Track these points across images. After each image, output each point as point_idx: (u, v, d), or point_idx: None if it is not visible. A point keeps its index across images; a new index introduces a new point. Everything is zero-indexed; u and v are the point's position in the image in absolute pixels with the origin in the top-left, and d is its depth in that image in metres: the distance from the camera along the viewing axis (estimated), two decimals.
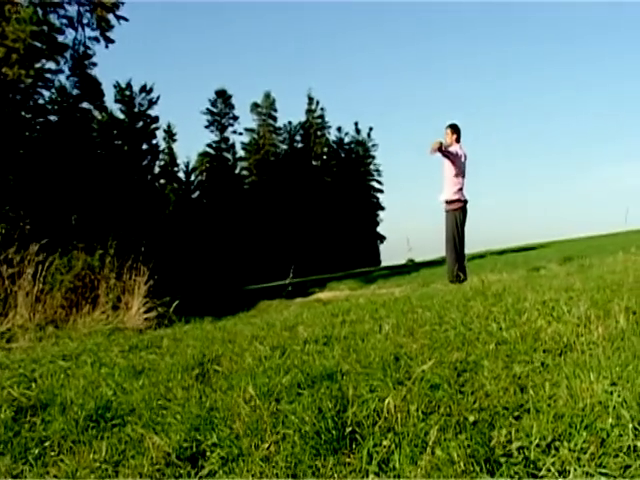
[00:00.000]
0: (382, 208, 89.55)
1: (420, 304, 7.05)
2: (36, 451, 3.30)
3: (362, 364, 3.98)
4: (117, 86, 60.87)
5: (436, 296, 7.80)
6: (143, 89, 62.67)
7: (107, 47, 31.83)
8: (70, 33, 31.21)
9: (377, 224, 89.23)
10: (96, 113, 44.16)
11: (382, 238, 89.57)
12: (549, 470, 2.17)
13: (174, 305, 10.64)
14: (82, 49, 32.91)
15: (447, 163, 10.73)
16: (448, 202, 10.92)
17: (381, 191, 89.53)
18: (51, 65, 29.12)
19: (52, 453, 3.28)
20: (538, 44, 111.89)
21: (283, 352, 4.93)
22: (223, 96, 76.61)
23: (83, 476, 2.91)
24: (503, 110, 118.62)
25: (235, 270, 62.77)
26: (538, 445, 2.30)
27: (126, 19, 29.69)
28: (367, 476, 2.38)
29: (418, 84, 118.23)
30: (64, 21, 30.09)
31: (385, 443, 2.53)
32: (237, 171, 78.97)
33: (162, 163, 68.99)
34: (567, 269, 10.35)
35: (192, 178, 74.51)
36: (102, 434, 3.47)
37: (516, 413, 2.71)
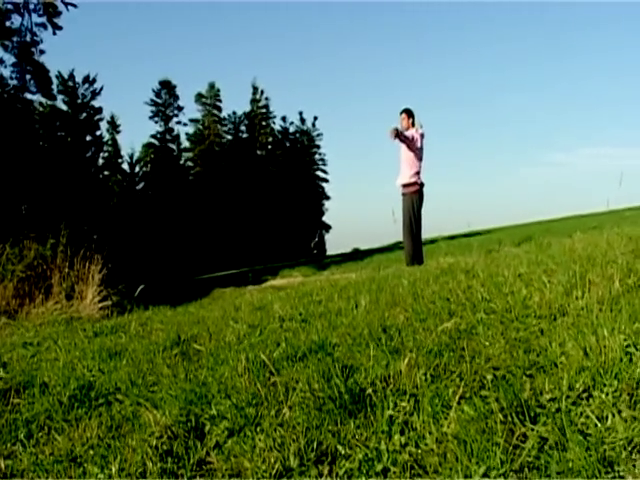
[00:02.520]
0: (327, 197, 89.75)
1: (389, 283, 7.02)
2: (24, 432, 3.16)
3: (351, 336, 3.92)
4: (59, 76, 59.49)
5: (402, 276, 7.77)
6: (86, 80, 61.34)
7: (55, 34, 31.12)
8: (16, 19, 30.48)
9: (323, 213, 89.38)
10: (42, 100, 43.15)
11: (328, 227, 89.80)
12: (588, 417, 2.14)
13: (139, 289, 10.41)
14: (29, 36, 32.07)
15: (403, 147, 10.72)
16: (405, 185, 10.91)
17: (326, 180, 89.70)
18: None
19: (41, 433, 3.15)
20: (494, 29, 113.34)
21: (262, 330, 4.84)
22: (167, 86, 75.59)
23: (81, 453, 2.79)
24: (449, 96, 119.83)
25: (184, 260, 62.20)
26: (568, 396, 2.26)
27: (74, 5, 28.82)
28: (392, 437, 2.31)
29: (363, 72, 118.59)
30: (9, 6, 29.31)
31: (403, 404, 2.47)
32: (182, 162, 78.16)
33: (106, 155, 67.81)
34: (525, 249, 10.41)
35: (136, 169, 73.45)
36: (89, 412, 3.36)
37: (529, 372, 2.67)
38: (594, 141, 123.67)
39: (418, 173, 10.85)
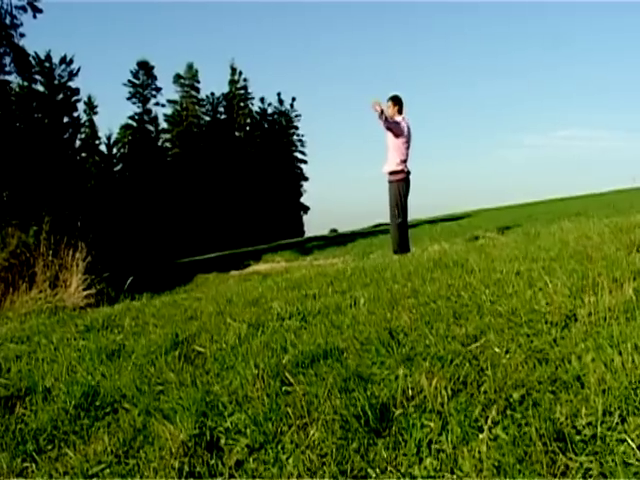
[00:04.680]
0: (306, 179, 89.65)
1: (380, 276, 6.98)
2: (33, 445, 3.09)
3: (358, 340, 3.88)
4: (36, 57, 58.53)
5: (392, 267, 7.73)
6: (63, 60, 60.51)
7: (35, 17, 30.74)
8: None
9: (301, 195, 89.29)
10: (19, 81, 42.47)
11: (306, 209, 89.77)
12: (627, 444, 2.11)
13: (128, 282, 10.29)
14: (9, 19, 31.52)
15: (390, 135, 10.69)
16: (391, 173, 10.89)
17: (305, 162, 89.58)
18: None
19: (50, 446, 3.08)
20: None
21: (262, 330, 4.78)
22: (145, 67, 74.82)
23: (97, 472, 2.73)
24: (429, 79, 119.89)
25: (163, 243, 61.88)
26: (603, 422, 2.23)
27: None
28: (423, 460, 2.28)
29: (342, 54, 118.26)
30: None
31: (431, 424, 2.43)
32: (160, 143, 77.59)
33: (83, 136, 67.06)
34: (512, 238, 10.41)
35: (114, 151, 72.82)
36: (95, 423, 3.30)
37: (552, 388, 2.64)
38: (568, 123, 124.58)
39: (405, 161, 10.83)
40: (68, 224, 13.38)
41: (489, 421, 2.34)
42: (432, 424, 2.44)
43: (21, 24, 33.66)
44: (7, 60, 36.69)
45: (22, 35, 35.87)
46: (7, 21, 32.11)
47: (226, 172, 74.09)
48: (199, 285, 17.42)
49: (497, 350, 3.23)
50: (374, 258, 14.25)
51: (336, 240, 27.98)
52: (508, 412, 2.44)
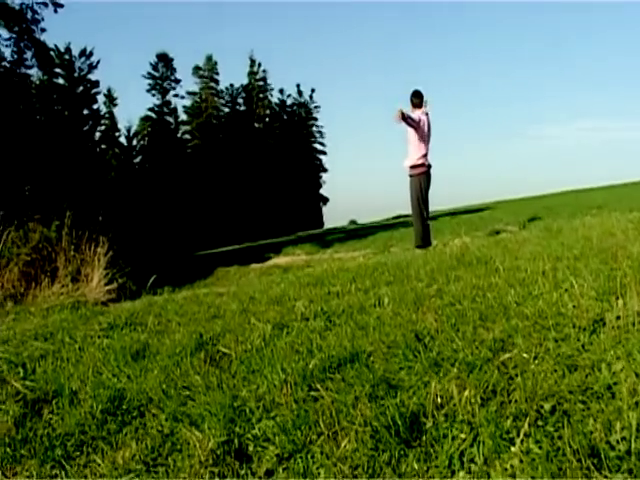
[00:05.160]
0: (325, 170, 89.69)
1: (404, 273, 6.96)
2: (61, 451, 3.10)
3: (385, 343, 3.87)
4: (56, 50, 58.81)
5: (414, 263, 7.71)
6: (83, 53, 60.79)
7: (56, 12, 30.90)
8: None
9: (320, 186, 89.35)
10: (39, 75, 42.76)
11: (325, 200, 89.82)
12: None
13: (151, 281, 10.32)
14: (30, 14, 31.73)
15: (410, 129, 10.72)
16: (412, 167, 10.93)
17: (324, 153, 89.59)
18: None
19: (77, 452, 3.09)
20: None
21: (287, 330, 4.78)
22: (164, 60, 75.08)
23: None
24: (449, 71, 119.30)
25: (182, 235, 62.12)
26: (637, 437, 2.20)
27: None
28: (455, 473, 2.26)
29: (362, 46, 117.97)
30: None
31: (462, 436, 2.42)
32: (180, 135, 77.81)
33: (103, 128, 67.39)
34: (535, 234, 10.35)
35: (134, 143, 73.13)
36: (123, 428, 3.30)
37: (581, 397, 2.61)
38: (586, 114, 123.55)
39: (425, 155, 10.89)
40: (90, 218, 13.43)
41: (521, 434, 2.31)
42: (463, 435, 2.42)
43: (42, 19, 33.87)
44: (28, 55, 36.94)
45: (43, 30, 36.09)
46: (28, 16, 32.27)
47: (245, 163, 74.17)
48: (220, 278, 17.44)
49: (525, 355, 3.20)
50: (395, 252, 14.26)
51: (357, 233, 27.91)
52: (540, 423, 2.41)
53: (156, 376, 4.01)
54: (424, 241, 10.91)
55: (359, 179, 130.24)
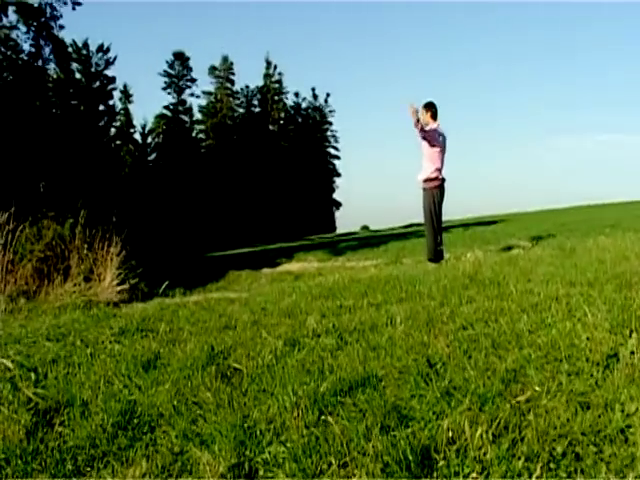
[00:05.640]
0: (338, 174, 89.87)
1: (416, 290, 6.96)
2: (71, 465, 3.11)
3: (396, 368, 3.87)
4: (73, 45, 59.16)
5: (426, 279, 7.72)
6: (100, 49, 61.26)
7: (74, 9, 31.14)
8: None
9: (333, 190, 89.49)
10: (57, 69, 43.01)
11: (338, 204, 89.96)
12: None
13: (164, 286, 10.37)
14: (49, 11, 31.97)
15: (425, 144, 10.75)
16: (426, 180, 10.94)
17: (337, 157, 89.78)
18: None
19: (88, 468, 3.10)
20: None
21: (298, 347, 4.79)
22: (181, 58, 75.51)
23: None
24: (463, 81, 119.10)
25: (193, 235, 62.23)
26: None
27: None
28: None
29: (378, 51, 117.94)
30: None
31: (473, 475, 2.41)
32: (194, 134, 78.18)
33: (118, 124, 67.80)
34: (549, 252, 10.32)
35: (148, 140, 73.57)
36: (134, 443, 3.31)
37: (593, 438, 2.61)
38: (604, 127, 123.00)
39: (440, 169, 10.88)
40: (103, 217, 13.47)
41: (533, 477, 2.31)
42: (474, 474, 2.42)
43: (60, 16, 34.09)
44: (46, 51, 37.16)
45: (61, 27, 36.33)
46: (47, 13, 32.51)
47: (259, 166, 74.35)
48: (231, 282, 17.46)
49: (537, 389, 3.20)
50: (407, 264, 14.22)
51: (369, 241, 27.88)
52: (552, 466, 2.41)
53: (167, 390, 4.03)
54: (436, 255, 10.92)
55: (372, 184, 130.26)
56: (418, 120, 10.20)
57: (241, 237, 62.03)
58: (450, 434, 2.76)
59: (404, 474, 2.51)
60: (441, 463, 2.56)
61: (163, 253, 34.22)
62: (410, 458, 2.56)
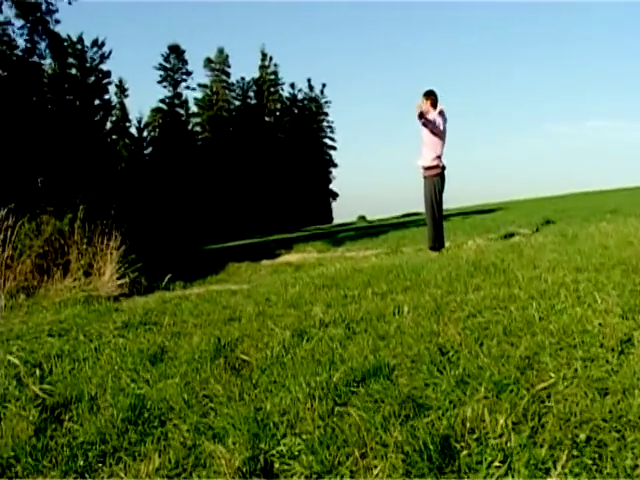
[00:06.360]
0: (335, 165, 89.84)
1: (420, 278, 6.91)
2: (82, 462, 3.06)
3: (408, 356, 3.82)
4: (68, 40, 58.87)
5: (430, 267, 7.66)
6: (95, 43, 60.97)
7: (70, 3, 31.03)
8: None
9: (330, 181, 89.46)
10: (52, 64, 42.90)
11: (335, 195, 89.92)
12: None
13: (166, 280, 10.32)
14: (45, 5, 31.88)
15: (425, 130, 10.67)
16: (426, 168, 10.88)
17: (334, 148, 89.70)
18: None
19: (100, 464, 3.05)
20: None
21: (307, 338, 4.74)
22: (176, 51, 75.33)
23: None
24: (461, 69, 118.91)
25: (191, 228, 62.10)
26: None
27: None
28: None
29: (373, 41, 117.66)
30: None
31: (495, 464, 2.37)
32: (190, 127, 78.01)
33: (114, 119, 67.59)
34: (551, 239, 10.27)
35: (144, 134, 73.38)
36: (144, 438, 3.25)
37: (615, 424, 2.56)
38: (600, 114, 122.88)
39: (440, 156, 10.82)
40: (102, 211, 13.42)
41: (558, 466, 2.26)
42: (497, 463, 2.37)
43: (56, 10, 33.98)
44: (42, 45, 37.02)
45: (57, 22, 36.21)
46: (43, 7, 32.41)
47: (255, 157, 74.25)
48: (231, 274, 17.37)
49: (553, 376, 3.15)
50: (408, 253, 14.19)
51: (368, 231, 27.83)
52: (575, 453, 2.36)
53: (176, 383, 3.97)
54: (437, 243, 10.89)
55: (369, 175, 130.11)
56: (421, 114, 10.20)
57: (239, 229, 61.96)
58: (469, 424, 2.71)
59: (425, 464, 2.46)
60: (463, 452, 2.51)
61: (162, 246, 34.10)
62: (431, 448, 2.52)
